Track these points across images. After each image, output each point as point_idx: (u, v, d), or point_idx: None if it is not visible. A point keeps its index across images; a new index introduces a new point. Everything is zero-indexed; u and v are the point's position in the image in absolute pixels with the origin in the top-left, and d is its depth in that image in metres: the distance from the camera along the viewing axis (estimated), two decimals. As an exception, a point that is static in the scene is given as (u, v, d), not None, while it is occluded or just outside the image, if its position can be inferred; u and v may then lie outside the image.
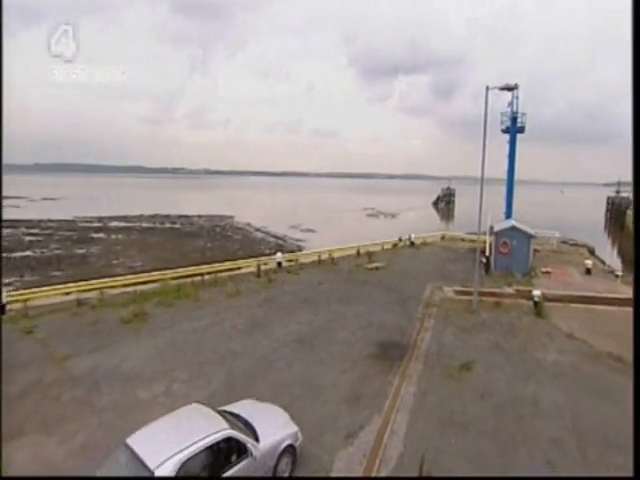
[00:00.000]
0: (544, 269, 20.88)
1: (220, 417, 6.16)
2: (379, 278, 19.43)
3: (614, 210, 69.59)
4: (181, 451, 5.19)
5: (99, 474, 5.30)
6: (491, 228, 22.46)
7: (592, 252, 28.06)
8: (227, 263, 20.49)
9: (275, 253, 23.02)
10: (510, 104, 24.98)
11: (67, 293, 15.37)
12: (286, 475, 6.54)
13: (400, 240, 28.56)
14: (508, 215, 26.40)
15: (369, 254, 24.09)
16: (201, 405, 6.54)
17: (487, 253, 21.22)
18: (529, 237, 20.78)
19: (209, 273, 18.65)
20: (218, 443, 5.57)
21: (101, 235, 40.85)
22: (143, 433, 5.66)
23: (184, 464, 5.11)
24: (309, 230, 49.35)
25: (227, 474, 5.53)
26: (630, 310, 15.31)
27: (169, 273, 18.28)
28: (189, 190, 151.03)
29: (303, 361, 10.69)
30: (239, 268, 20.45)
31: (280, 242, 39.26)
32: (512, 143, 25.57)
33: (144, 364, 10.36)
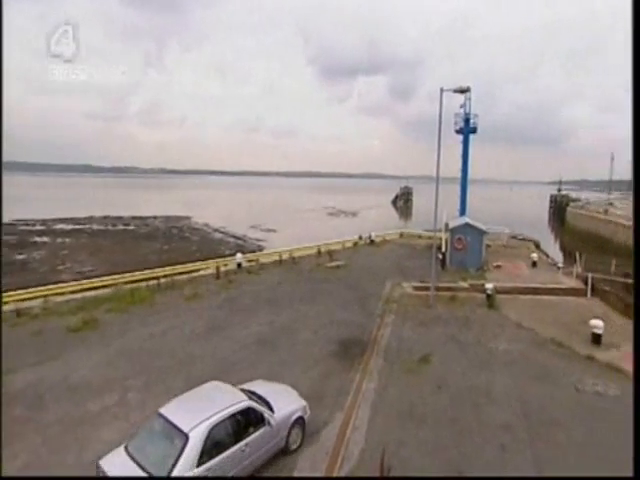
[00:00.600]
0: (496, 263, 21.95)
1: (239, 391, 7.01)
2: (340, 276, 19.62)
3: (556, 207, 74.58)
4: (209, 418, 5.93)
5: (135, 443, 5.90)
6: (446, 225, 23.29)
7: (537, 246, 29.85)
8: (185, 265, 19.88)
9: (235, 254, 22.60)
10: (463, 106, 26.04)
11: (5, 303, 14.15)
12: (297, 444, 7.31)
13: (360, 238, 29.00)
14: (462, 212, 27.51)
15: (330, 253, 24.26)
16: (220, 382, 7.33)
17: (443, 249, 22.00)
18: (482, 233, 21.76)
19: (166, 276, 17.99)
20: (239, 412, 6.35)
21: (45, 239, 38.23)
22: (173, 405, 6.41)
23: (212, 429, 5.86)
24: (270, 230, 48.93)
25: (247, 440, 6.31)
26: (570, 299, 16.52)
27: (122, 277, 17.43)
28: (144, 190, 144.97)
29: (265, 362, 10.56)
30: (197, 270, 19.89)
31: (240, 242, 38.64)
32: (465, 143, 26.68)
33: (95, 374, 9.80)
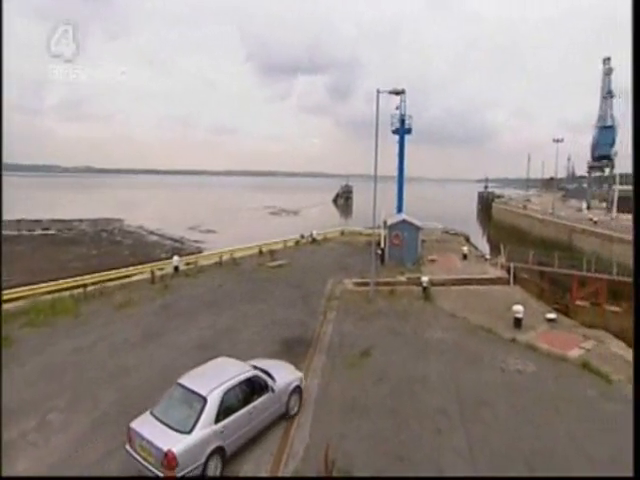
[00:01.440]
0: (430, 257, 23.18)
1: (245, 364, 8.03)
2: (282, 275, 19.52)
3: (483, 203, 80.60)
4: (223, 384, 6.94)
5: (159, 408, 6.76)
6: (385, 222, 24.12)
7: (468, 240, 32.06)
8: (116, 271, 18.50)
9: (172, 257, 21.53)
10: (398, 107, 27.10)
11: None
12: (295, 410, 8.32)
13: (302, 237, 29.09)
14: (399, 209, 28.67)
15: (272, 252, 24.05)
16: (227, 357, 8.49)
17: (382, 245, 22.77)
18: (417, 229, 22.85)
19: (94, 283, 16.62)
20: (247, 380, 7.39)
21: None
22: (189, 375, 7.39)
23: (225, 393, 6.84)
24: (209, 231, 47.38)
25: (254, 404, 7.27)
26: (496, 287, 17.90)
27: (41, 287, 15.78)
28: (67, 190, 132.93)
29: (205, 368, 10.16)
30: (130, 276, 18.63)
31: (178, 245, 36.97)
32: (401, 143, 27.80)
33: (8, 398, 8.76)
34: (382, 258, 22.01)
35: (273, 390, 7.73)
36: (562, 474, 6.87)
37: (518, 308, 13.28)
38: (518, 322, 13.13)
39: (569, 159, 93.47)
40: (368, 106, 15.61)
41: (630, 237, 28.80)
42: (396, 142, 27.83)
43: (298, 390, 8.47)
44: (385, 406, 8.77)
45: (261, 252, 24.22)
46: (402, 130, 27.47)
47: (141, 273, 19.04)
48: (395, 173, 28.75)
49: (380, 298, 15.83)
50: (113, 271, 18.43)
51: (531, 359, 10.93)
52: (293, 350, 11.33)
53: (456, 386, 9.63)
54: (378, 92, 14.89)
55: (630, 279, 19.45)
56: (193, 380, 7.14)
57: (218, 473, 6.55)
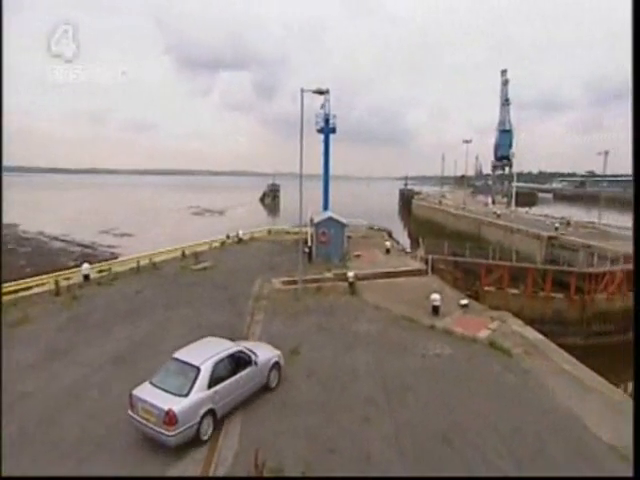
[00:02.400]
0: (356, 253, 23.93)
1: (231, 341, 9.03)
2: (207, 278, 18.74)
3: (404, 200, 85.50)
4: (213, 356, 7.91)
5: (157, 378, 7.63)
6: (311, 220, 24.37)
7: (390, 235, 33.70)
8: (8, 284, 16.05)
9: (81, 264, 19.48)
10: (323, 106, 27.50)
11: None
12: (275, 383, 9.30)
13: (228, 237, 28.25)
14: (325, 207, 29.20)
15: (196, 254, 22.96)
16: (214, 337, 9.32)
17: (309, 243, 22.98)
18: (343, 226, 23.44)
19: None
20: (233, 354, 8.38)
21: None
22: (182, 351, 8.28)
23: (215, 364, 7.79)
24: (125, 234, 43.96)
25: (240, 374, 8.28)
26: (416, 279, 19.04)
27: None
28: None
29: (121, 383, 9.27)
30: (28, 288, 16.41)
31: (88, 251, 33.71)
32: (326, 142, 28.29)
33: None
34: (310, 256, 22.22)
35: (256, 364, 8.77)
36: (473, 442, 7.50)
37: (435, 297, 14.27)
38: (436, 310, 14.11)
39: (477, 159, 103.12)
40: (295, 105, 15.63)
41: (525, 228, 32.65)
42: (322, 141, 28.29)
43: (277, 366, 9.44)
44: (316, 402, 8.85)
45: (184, 255, 23.00)
46: (327, 129, 27.96)
47: (42, 284, 16.90)
48: (321, 171, 29.23)
49: (308, 295, 15.94)
50: (4, 284, 15.94)
51: (448, 343, 11.82)
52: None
53: (382, 375, 10.05)
54: (302, 91, 14.96)
55: (527, 265, 22.01)
56: (186, 354, 8.14)
57: (210, 432, 7.53)
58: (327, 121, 27.77)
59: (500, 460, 7.08)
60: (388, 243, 25.71)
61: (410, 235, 49.25)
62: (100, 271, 19.53)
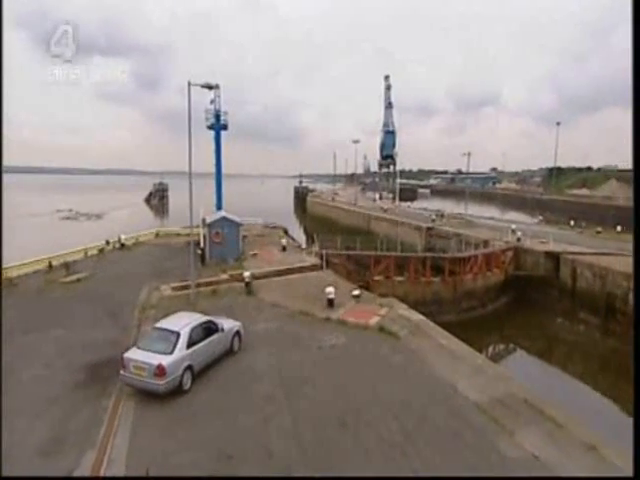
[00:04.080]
0: (252, 252, 23.61)
1: (201, 314, 10.82)
2: (83, 291, 16.54)
3: (299, 197, 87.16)
4: (189, 324, 9.67)
5: (143, 343, 9.55)
6: (204, 220, 23.29)
7: (286, 232, 34.06)
8: None
9: None
10: (213, 102, 26.31)
11: None
12: (237, 348, 11.08)
13: (108, 243, 25.31)
14: (219, 207, 28.14)
15: (66, 265, 20.02)
16: (186, 312, 11.35)
17: (202, 245, 21.93)
18: (238, 225, 22.90)
19: None
20: (204, 323, 10.06)
21: None
22: (163, 321, 10.19)
23: (191, 330, 9.50)
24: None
25: (210, 339, 9.97)
26: (312, 274, 19.58)
27: None
28: None
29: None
30: None
31: None
32: (217, 139, 27.14)
33: None
34: (203, 258, 21.23)
35: (223, 330, 10.49)
36: (367, 422, 8.01)
37: (330, 290, 14.84)
38: (331, 302, 14.68)
39: (365, 157, 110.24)
40: (183, 99, 14.62)
41: (408, 220, 36.04)
42: (213, 138, 27.15)
43: (238, 334, 11.20)
44: (212, 408, 8.49)
45: (51, 266, 19.89)
46: (218, 126, 26.90)
47: None
48: (214, 170, 28.08)
49: (203, 299, 15.18)
50: None
51: (342, 332, 12.40)
52: (100, 375, 9.76)
53: (281, 371, 10.10)
54: (189, 85, 14.11)
55: (410, 254, 24.30)
56: (167, 323, 9.88)
57: (189, 383, 9.13)
58: (218, 117, 26.74)
59: (391, 434, 7.69)
60: (284, 240, 25.93)
61: (306, 232, 50.47)
62: None
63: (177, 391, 8.77)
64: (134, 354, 8.90)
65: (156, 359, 8.58)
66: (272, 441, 7.50)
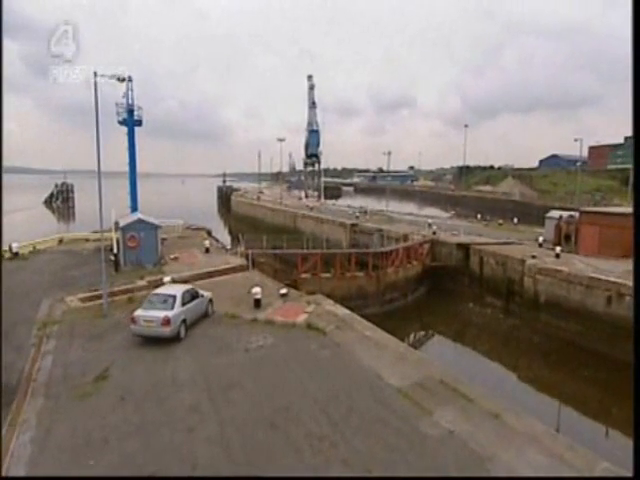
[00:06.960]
0: (173, 255, 22.31)
1: (185, 284, 14.63)
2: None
3: (223, 196, 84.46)
4: (180, 290, 12.59)
5: (146, 305, 11.94)
6: (117, 223, 21.45)
7: (209, 233, 32.78)
8: None
9: None
10: (125, 95, 24.25)
11: None
12: (210, 312, 13.90)
13: (-5, 253, 22.03)
14: (134, 208, 26.10)
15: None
16: (177, 284, 14.87)
17: (115, 250, 20.18)
18: (156, 228, 21.45)
19: None
20: (190, 290, 13.04)
21: None
22: (159, 289, 13.15)
23: (184, 293, 12.40)
24: None
25: (195, 302, 12.89)
26: (238, 275, 19.10)
27: None
28: None
29: None
30: None
31: None
32: (130, 135, 25.11)
33: None
34: (116, 264, 19.55)
35: (202, 296, 13.38)
36: (296, 419, 8.01)
37: (256, 290, 14.58)
38: (257, 302, 14.44)
39: (290, 156, 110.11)
40: (89, 90, 13.20)
41: (333, 218, 36.89)
42: (126, 134, 25.06)
43: (211, 301, 13.98)
44: (130, 426, 7.83)
45: None
46: (131, 121, 24.90)
47: None
48: (127, 168, 25.95)
49: (117, 309, 13.96)
50: None
51: (270, 332, 12.26)
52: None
53: (206, 378, 9.68)
54: (95, 75, 12.85)
55: (335, 250, 24.87)
56: (162, 290, 12.87)
57: (184, 332, 11.90)
58: (131, 112, 24.76)
59: (320, 428, 7.78)
60: (207, 242, 24.95)
61: (231, 232, 49.11)
62: None
63: (176, 338, 11.57)
64: (142, 312, 11.48)
65: (162, 313, 11.29)
66: (198, 451, 7.15)
